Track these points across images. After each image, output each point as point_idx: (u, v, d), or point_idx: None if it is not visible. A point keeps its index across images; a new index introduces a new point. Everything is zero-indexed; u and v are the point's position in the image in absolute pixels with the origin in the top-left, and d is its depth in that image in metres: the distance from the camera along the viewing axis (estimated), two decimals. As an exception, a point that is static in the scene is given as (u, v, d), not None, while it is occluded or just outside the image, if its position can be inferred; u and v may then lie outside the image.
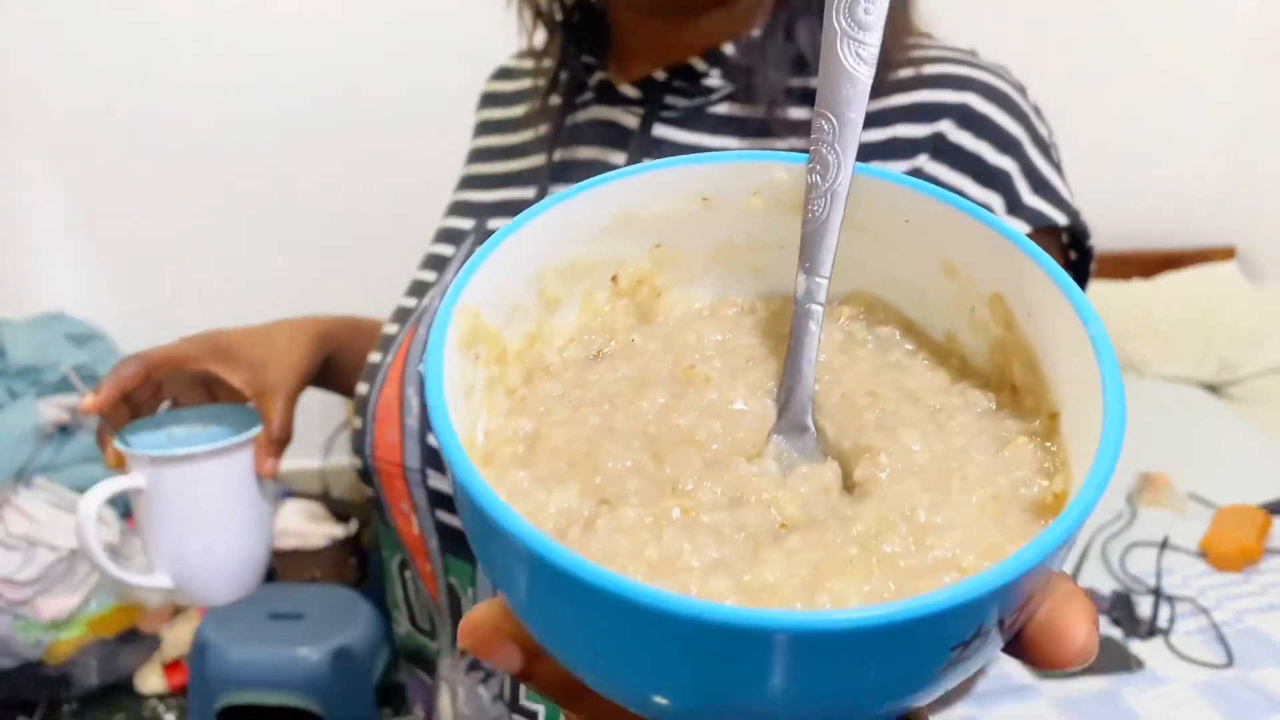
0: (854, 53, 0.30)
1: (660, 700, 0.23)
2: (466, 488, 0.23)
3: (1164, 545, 1.72)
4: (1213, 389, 2.39)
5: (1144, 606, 1.60)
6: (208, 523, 0.72)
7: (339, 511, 2.36)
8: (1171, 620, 1.57)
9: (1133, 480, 1.93)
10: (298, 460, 2.47)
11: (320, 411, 2.38)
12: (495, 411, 0.30)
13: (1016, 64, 2.13)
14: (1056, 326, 0.27)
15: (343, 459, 2.52)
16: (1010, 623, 0.23)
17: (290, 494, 2.35)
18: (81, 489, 2.05)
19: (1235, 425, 2.21)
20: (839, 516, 0.26)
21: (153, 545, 0.73)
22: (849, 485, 0.28)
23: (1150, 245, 2.71)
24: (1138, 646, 1.51)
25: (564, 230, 0.31)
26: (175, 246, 2.35)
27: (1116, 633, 1.55)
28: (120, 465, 0.71)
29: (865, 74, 0.30)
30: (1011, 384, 0.30)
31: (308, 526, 2.24)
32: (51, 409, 2.06)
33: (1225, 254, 2.69)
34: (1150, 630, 1.54)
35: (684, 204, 0.31)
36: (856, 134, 0.30)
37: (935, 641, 0.22)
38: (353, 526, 2.32)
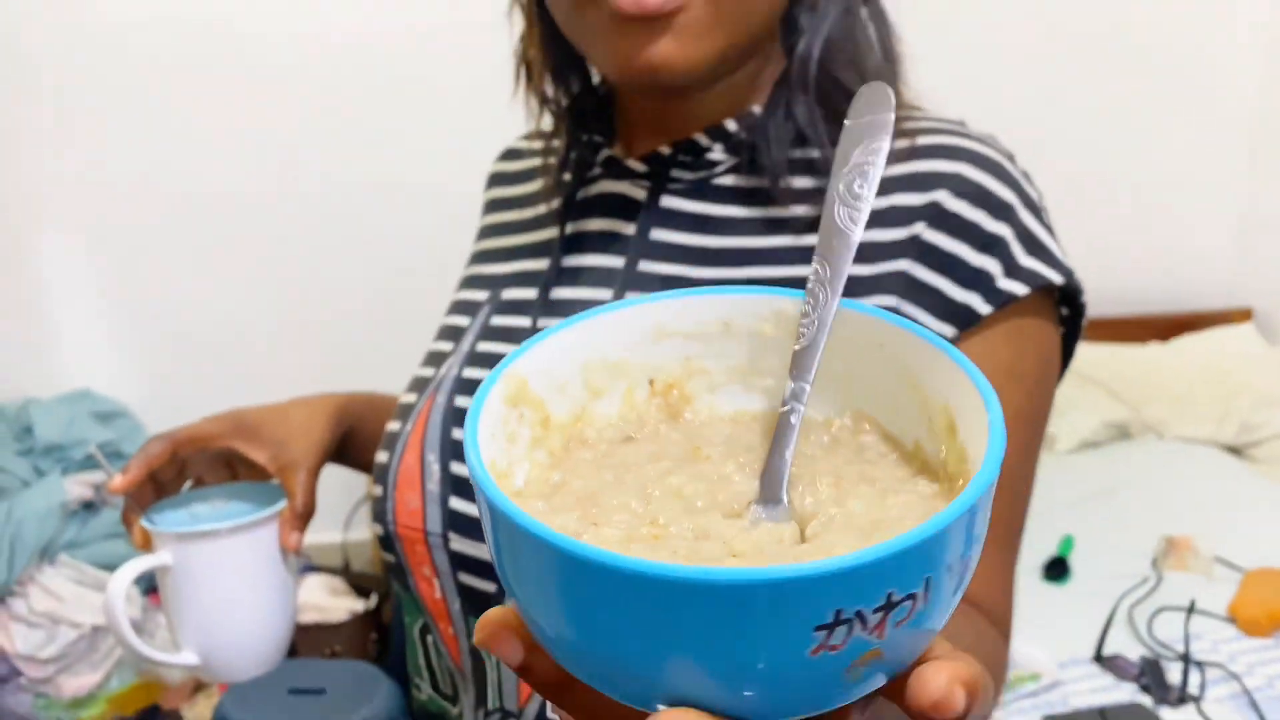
0: (848, 216, 0.36)
1: (616, 651, 0.28)
2: (479, 482, 0.30)
3: (1191, 610, 1.69)
4: (1235, 450, 2.38)
5: (1173, 673, 1.57)
6: (234, 599, 0.73)
7: (359, 586, 2.36)
8: (1202, 687, 1.54)
9: (1157, 544, 1.91)
10: (319, 535, 2.48)
11: (340, 487, 2.39)
12: (536, 464, 0.37)
13: (1032, 132, 2.19)
14: (978, 426, 0.32)
15: (363, 533, 2.53)
16: (874, 624, 0.27)
17: (311, 568, 2.35)
18: (105, 566, 2.07)
19: (1259, 487, 2.20)
20: (782, 555, 0.32)
21: (179, 622, 0.73)
22: (803, 540, 0.33)
23: (1167, 309, 2.72)
24: (1169, 714, 1.49)
25: (610, 334, 0.38)
26: (198, 326, 2.40)
27: (1147, 700, 1.52)
28: (147, 544, 0.73)
29: (855, 233, 0.36)
30: (958, 478, 0.34)
31: (329, 601, 2.24)
32: (77, 486, 2.08)
33: (1242, 315, 2.69)
34: (1181, 697, 1.52)
35: (708, 325, 0.39)
36: (844, 277, 0.36)
37: (797, 614, 0.26)
38: (373, 601, 2.32)
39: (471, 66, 2.12)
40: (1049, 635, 1.67)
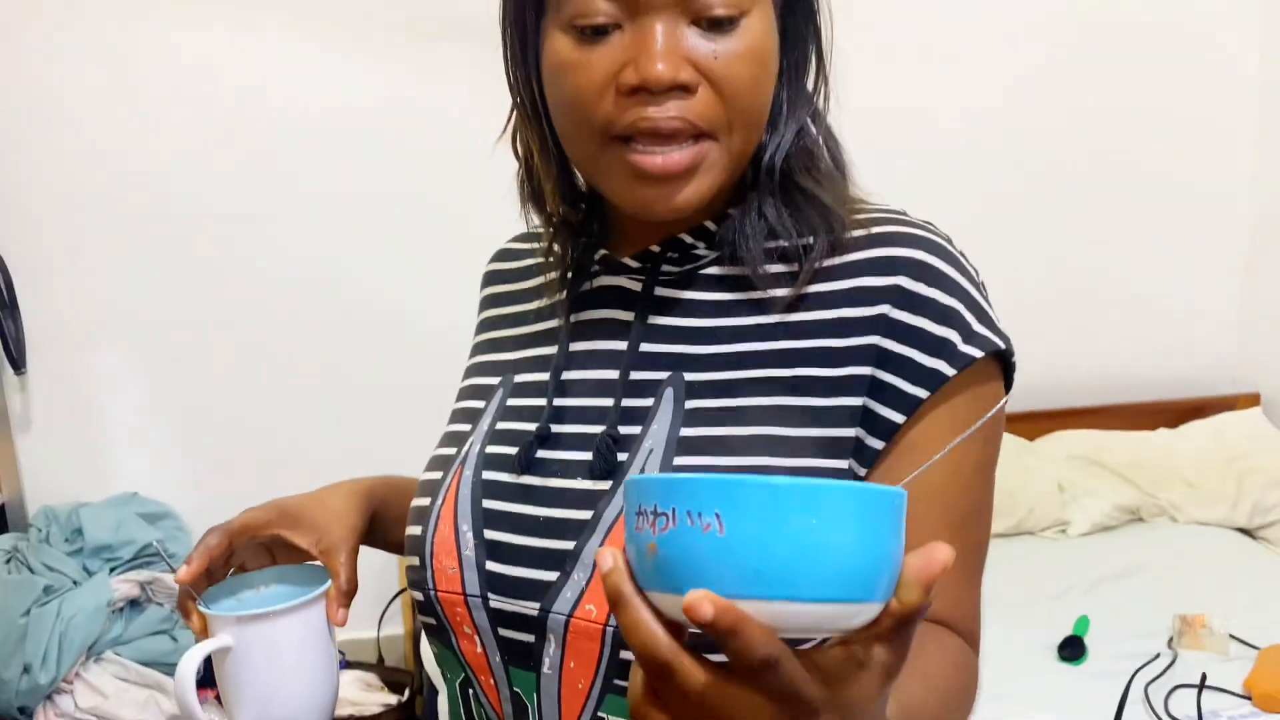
0: None
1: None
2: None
3: (1203, 683, 1.73)
4: (1247, 532, 2.42)
5: (1191, 748, 1.61)
6: (290, 673, 0.80)
7: (392, 681, 2.41)
8: (1219, 761, 1.57)
9: (1172, 623, 1.95)
10: (353, 632, 2.55)
11: (374, 587, 2.47)
12: None
13: (1043, 235, 2.28)
14: None
15: (396, 629, 2.59)
16: (649, 525, 0.43)
17: (346, 664, 2.41)
18: (149, 662, 2.14)
19: (1272, 566, 2.23)
20: None
21: (239, 699, 0.80)
22: None
23: (1176, 395, 2.79)
24: (1186, 788, 1.52)
25: None
26: (239, 431, 2.51)
27: (1164, 775, 1.55)
28: (204, 629, 0.79)
29: None
30: None
31: (363, 695, 2.29)
32: (124, 585, 2.17)
33: (1250, 400, 2.75)
34: (1198, 772, 1.54)
35: None
36: None
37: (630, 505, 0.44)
38: (406, 695, 2.37)
39: (492, 182, 2.27)
40: (1066, 714, 1.71)
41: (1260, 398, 2.76)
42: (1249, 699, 1.73)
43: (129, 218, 2.40)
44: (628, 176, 0.69)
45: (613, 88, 0.67)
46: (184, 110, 2.37)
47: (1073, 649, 1.91)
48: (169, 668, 2.15)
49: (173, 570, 0.82)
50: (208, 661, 0.80)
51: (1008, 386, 0.73)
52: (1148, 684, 1.78)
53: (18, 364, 2.34)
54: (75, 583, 2.17)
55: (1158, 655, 1.85)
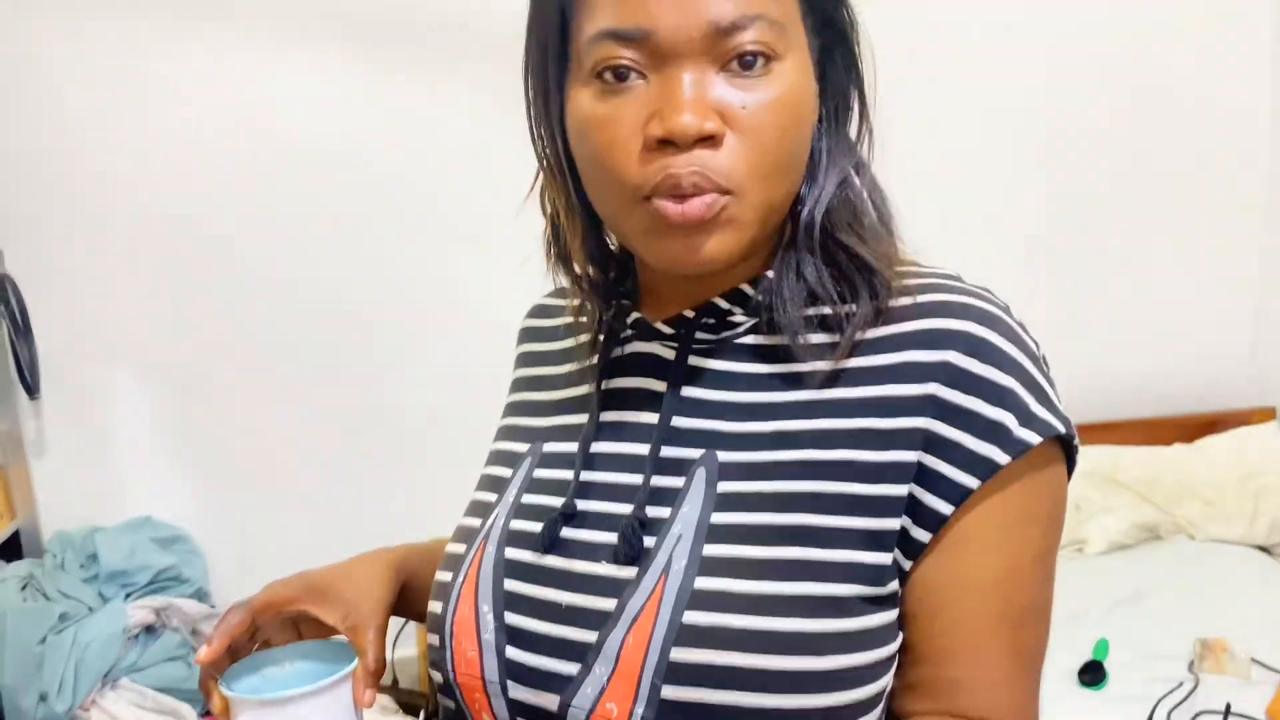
0: None
1: None
2: None
3: (1228, 713, 1.72)
4: (1266, 550, 2.40)
5: (1215, 777, 1.60)
6: None
7: (407, 704, 2.41)
8: (1244, 791, 1.56)
9: (1193, 647, 1.94)
10: (367, 653, 2.54)
11: (388, 604, 2.46)
12: None
13: (1054, 252, 2.27)
14: None
15: (410, 650, 2.58)
16: None
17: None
18: (165, 689, 2.13)
19: (1292, 587, 2.22)
20: None
21: None
22: None
23: (1190, 410, 2.77)
24: (1212, 819, 1.51)
25: None
26: (252, 455, 2.50)
27: (1189, 805, 1.54)
28: (225, 711, 0.76)
29: None
30: None
31: (379, 719, 2.28)
32: (139, 611, 2.16)
33: (1265, 415, 2.74)
34: (1223, 802, 1.53)
35: None
36: None
37: None
38: (421, 718, 2.36)
39: (512, 218, 2.26)
40: (1089, 741, 1.70)
41: (1276, 412, 2.75)
42: (1272, 726, 1.72)
43: (142, 241, 2.39)
44: (654, 230, 0.65)
45: (639, 141, 0.64)
46: (197, 132, 2.37)
47: (1093, 674, 1.90)
48: (186, 694, 2.15)
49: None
50: None
51: (1070, 470, 0.68)
52: (1171, 711, 1.77)
53: (32, 389, 2.34)
54: (91, 609, 2.16)
55: (1180, 683, 1.84)
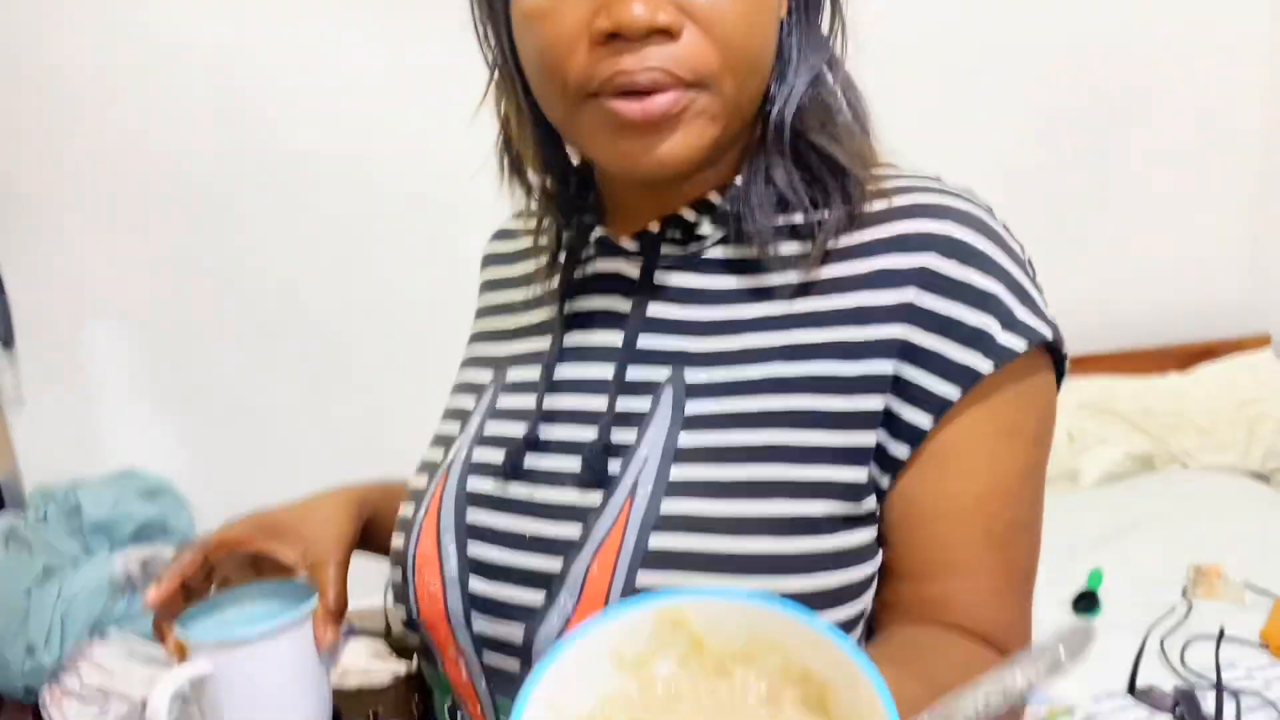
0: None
1: None
2: None
3: (1221, 636, 1.71)
4: (1261, 477, 2.39)
5: (1209, 702, 1.58)
6: (274, 700, 0.73)
7: (401, 649, 2.40)
8: (1238, 715, 1.55)
9: (1186, 573, 1.93)
10: (362, 600, 2.52)
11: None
12: (686, 668, 0.46)
13: (1046, 179, 2.23)
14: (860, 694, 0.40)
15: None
16: None
17: (354, 632, 2.39)
18: (151, 639, 2.12)
19: (1287, 512, 2.21)
20: None
21: None
22: None
23: (1184, 338, 2.74)
24: (1206, 743, 1.50)
25: (768, 621, 0.45)
26: (237, 403, 2.47)
27: (1183, 730, 1.53)
28: (181, 654, 0.73)
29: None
30: None
31: (372, 664, 2.28)
32: (125, 562, 2.14)
33: (1260, 341, 2.71)
34: (1217, 726, 1.53)
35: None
36: None
37: None
38: (415, 663, 2.36)
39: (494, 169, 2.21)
40: (1081, 669, 1.68)
41: (1271, 338, 2.72)
42: (1266, 649, 1.71)
43: (119, 190, 2.34)
44: (607, 129, 0.61)
45: (585, 37, 0.59)
46: (175, 82, 2.30)
47: (1087, 603, 1.89)
48: (175, 643, 2.14)
49: (139, 591, 0.77)
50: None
51: (1059, 380, 0.65)
52: (1164, 637, 1.76)
53: (7, 340, 2.30)
54: (75, 561, 2.14)
55: (1173, 608, 1.83)
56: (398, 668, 2.33)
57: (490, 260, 0.87)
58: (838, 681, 0.43)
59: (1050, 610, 1.89)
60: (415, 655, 2.40)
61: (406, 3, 2.35)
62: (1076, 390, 2.52)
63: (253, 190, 2.38)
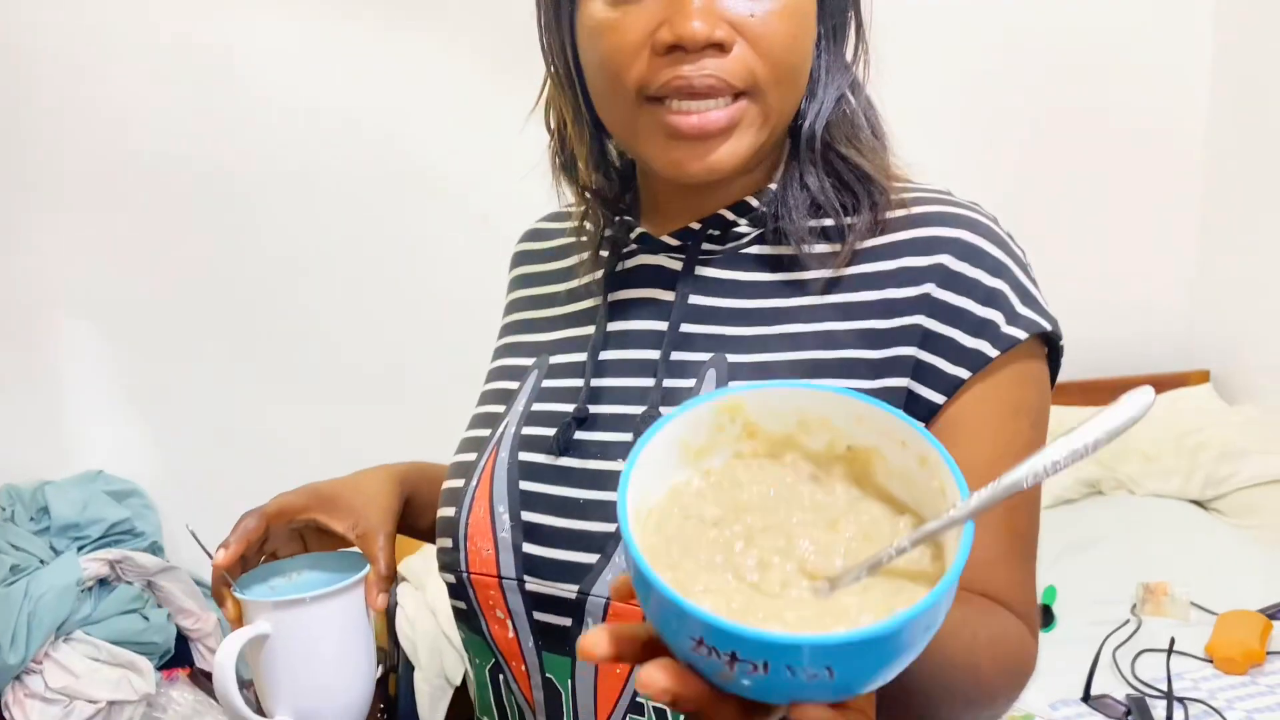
0: (1031, 479, 0.46)
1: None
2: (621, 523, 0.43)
3: (1171, 648, 1.79)
4: (1201, 504, 2.51)
5: (1159, 710, 1.67)
6: (328, 660, 0.78)
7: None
8: (1186, 721, 1.64)
9: (1136, 591, 2.02)
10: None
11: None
12: (738, 454, 0.51)
13: (1004, 220, 2.30)
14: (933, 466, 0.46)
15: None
16: (724, 660, 0.40)
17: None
18: (119, 642, 2.11)
19: (1227, 535, 2.32)
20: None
21: (274, 686, 0.77)
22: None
23: (1129, 373, 2.87)
24: (1157, 748, 1.58)
25: (820, 401, 0.50)
26: (207, 406, 2.46)
27: (1135, 736, 1.61)
28: (239, 616, 0.77)
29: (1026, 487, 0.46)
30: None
31: (338, 672, 2.28)
32: (92, 564, 2.13)
33: (1200, 377, 2.85)
34: (1167, 732, 1.61)
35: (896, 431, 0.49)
36: (982, 510, 0.45)
37: (682, 630, 0.41)
38: (380, 672, 2.36)
39: (477, 165, 2.25)
40: (1039, 679, 1.75)
41: (1210, 374, 2.86)
42: (1210, 662, 1.80)
43: (90, 189, 2.34)
44: (662, 136, 0.68)
45: (648, 47, 0.67)
46: (151, 82, 2.31)
47: (1043, 617, 1.97)
48: (140, 646, 2.13)
49: (210, 555, 0.80)
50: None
51: (1055, 368, 0.73)
52: (1116, 649, 1.84)
53: (-24, 339, 2.28)
54: (43, 562, 2.12)
55: (1126, 621, 1.92)
56: (364, 676, 2.33)
57: (522, 258, 0.93)
58: (884, 446, 0.48)
59: (1008, 624, 1.97)
60: (380, 665, 2.41)
61: (401, 14, 2.40)
62: (1029, 418, 2.62)
63: (226, 191, 2.39)
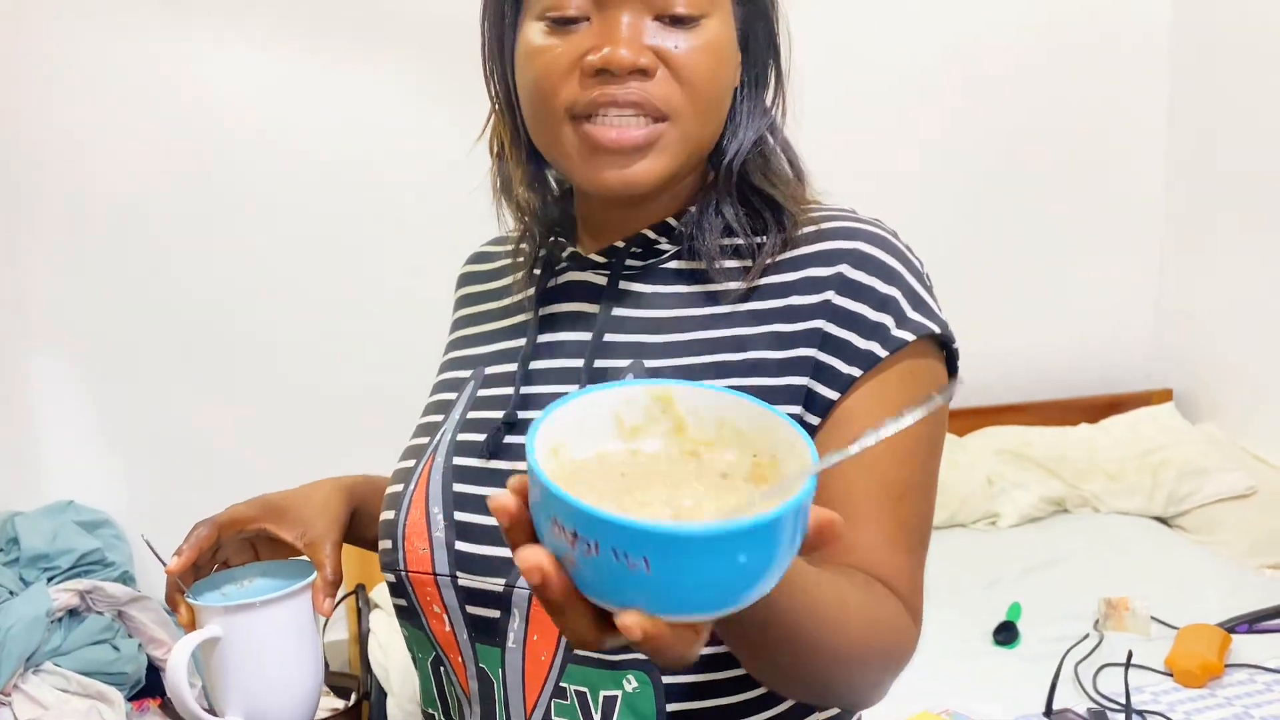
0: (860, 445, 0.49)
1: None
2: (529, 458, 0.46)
3: (1129, 660, 1.82)
4: (1164, 520, 2.55)
5: (1119, 723, 1.70)
6: (277, 661, 0.82)
7: (338, 686, 2.40)
8: (1145, 734, 1.66)
9: (1098, 607, 2.05)
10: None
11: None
12: (671, 441, 0.54)
13: (967, 248, 2.40)
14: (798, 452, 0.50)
15: (340, 634, 2.58)
16: (570, 539, 0.43)
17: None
18: (89, 673, 2.10)
19: (1187, 551, 2.36)
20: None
21: (226, 688, 0.82)
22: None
23: (1094, 392, 2.92)
24: (1116, 760, 1.60)
25: (739, 406, 0.54)
26: (178, 437, 2.47)
27: (1095, 749, 1.64)
28: (191, 621, 0.82)
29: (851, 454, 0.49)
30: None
31: (310, 700, 2.27)
32: (63, 595, 2.13)
33: (1163, 396, 2.90)
34: (1127, 744, 1.63)
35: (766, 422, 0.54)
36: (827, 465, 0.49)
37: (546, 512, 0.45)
38: (352, 700, 2.36)
39: (444, 191, 2.28)
40: (1002, 694, 1.79)
41: (1173, 394, 2.91)
42: (1171, 675, 1.83)
43: (63, 216, 2.35)
44: (584, 151, 0.74)
45: (578, 70, 0.73)
46: (123, 115, 2.34)
47: (1006, 634, 2.00)
48: (110, 677, 2.12)
49: (163, 563, 0.84)
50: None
51: (952, 371, 0.78)
52: (1077, 664, 1.87)
53: (-53, 371, 2.28)
54: (12, 593, 2.12)
55: (1086, 636, 1.95)
56: (335, 704, 2.33)
57: (466, 279, 0.99)
58: (785, 457, 0.52)
59: (973, 642, 2.00)
60: (352, 692, 2.41)
61: (345, 44, 2.44)
62: (996, 437, 2.67)
63: (198, 223, 2.41)
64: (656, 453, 0.54)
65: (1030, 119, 2.81)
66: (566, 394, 0.51)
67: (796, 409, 0.73)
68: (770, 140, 0.82)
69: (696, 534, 0.42)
